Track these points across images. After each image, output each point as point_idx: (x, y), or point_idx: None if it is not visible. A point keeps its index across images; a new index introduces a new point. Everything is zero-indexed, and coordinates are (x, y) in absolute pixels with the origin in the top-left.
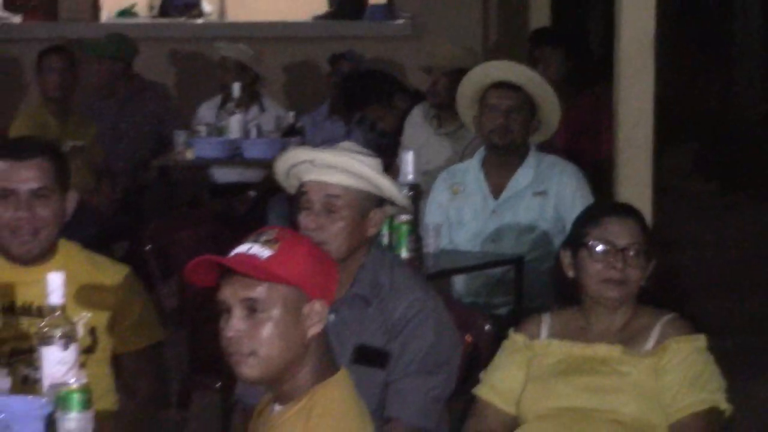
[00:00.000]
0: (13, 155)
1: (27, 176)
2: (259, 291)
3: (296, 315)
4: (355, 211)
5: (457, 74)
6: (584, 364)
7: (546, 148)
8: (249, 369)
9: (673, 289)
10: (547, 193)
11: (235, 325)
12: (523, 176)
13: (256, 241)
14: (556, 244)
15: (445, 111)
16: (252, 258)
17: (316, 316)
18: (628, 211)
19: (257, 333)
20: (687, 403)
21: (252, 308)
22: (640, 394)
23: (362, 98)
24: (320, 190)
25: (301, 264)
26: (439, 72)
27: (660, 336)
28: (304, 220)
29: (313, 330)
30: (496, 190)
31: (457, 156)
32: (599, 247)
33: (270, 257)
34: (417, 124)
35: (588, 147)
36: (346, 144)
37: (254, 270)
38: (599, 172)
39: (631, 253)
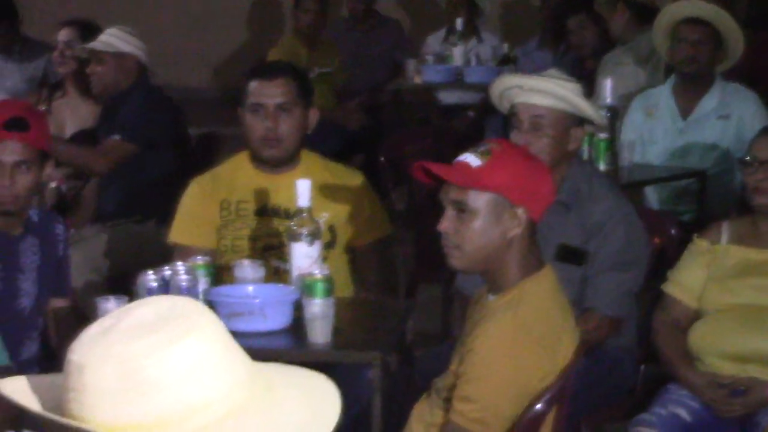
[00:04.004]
0: (262, 75)
1: (274, 93)
2: (466, 195)
3: (498, 218)
4: (558, 129)
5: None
6: (758, 267)
7: (730, 75)
8: (454, 260)
9: None
10: (730, 117)
11: (445, 221)
12: (709, 101)
13: (474, 151)
14: (736, 159)
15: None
16: (464, 166)
17: (517, 220)
18: None
19: (462, 230)
20: None
21: (460, 209)
22: None
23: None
24: (528, 110)
25: (508, 174)
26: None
27: None
28: (515, 137)
29: (513, 232)
30: (685, 113)
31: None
32: (749, 163)
33: (479, 167)
34: (613, 56)
35: (766, 75)
36: (552, 71)
37: (460, 177)
38: None
39: None
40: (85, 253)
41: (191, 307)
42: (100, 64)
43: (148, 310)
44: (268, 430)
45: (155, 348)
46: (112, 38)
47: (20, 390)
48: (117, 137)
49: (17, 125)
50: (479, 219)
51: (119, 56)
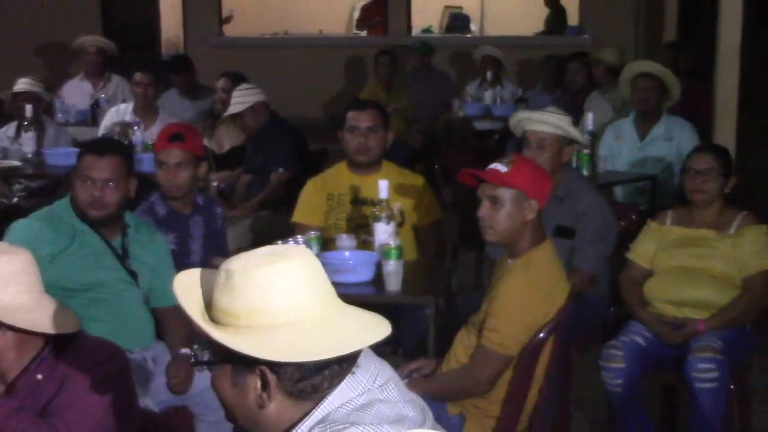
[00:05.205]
0: (357, 107)
1: (365, 119)
2: (498, 191)
3: (519, 207)
4: (555, 147)
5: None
6: (692, 241)
7: (673, 111)
8: (488, 236)
9: (748, 197)
10: (673, 139)
11: (482, 210)
12: (658, 128)
13: (501, 161)
14: (677, 168)
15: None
16: (496, 171)
17: (531, 208)
18: (710, 149)
19: (494, 216)
20: (754, 264)
21: (493, 201)
22: (725, 259)
23: (562, 81)
24: (534, 135)
25: (525, 177)
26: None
27: (739, 224)
28: (526, 153)
29: (528, 216)
30: (642, 136)
31: (615, 113)
32: (688, 171)
33: (506, 172)
34: (596, 95)
35: (698, 110)
36: (552, 108)
37: (495, 179)
38: (705, 126)
39: (706, 174)
40: (237, 230)
41: (295, 248)
42: (242, 119)
43: (272, 247)
44: (329, 336)
45: (249, 265)
46: (243, 97)
47: (185, 283)
48: (281, 170)
49: (176, 138)
50: (506, 208)
51: (252, 107)
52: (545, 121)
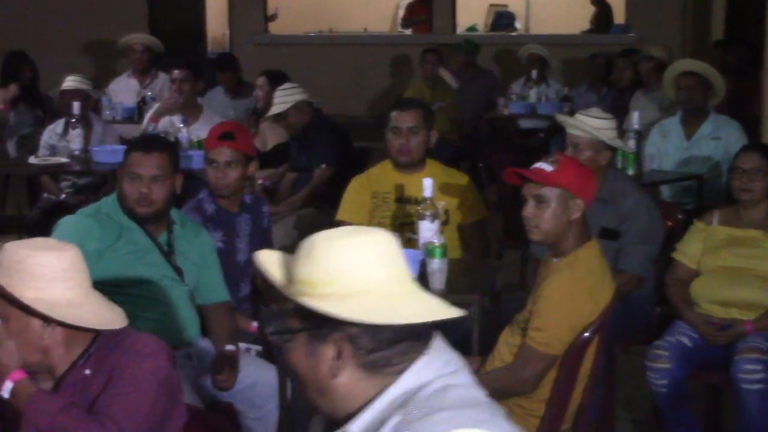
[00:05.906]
0: (400, 107)
1: (407, 119)
2: (543, 190)
3: (564, 206)
4: (591, 151)
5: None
6: (739, 241)
7: (720, 110)
8: (534, 235)
9: None
10: (720, 138)
11: (528, 209)
12: (705, 127)
13: (546, 160)
14: (724, 168)
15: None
16: (541, 170)
17: (577, 207)
18: (758, 148)
19: (540, 215)
20: None
21: (538, 200)
22: None
23: (608, 79)
24: (570, 138)
25: (571, 176)
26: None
27: None
28: (567, 153)
29: (574, 216)
30: (689, 135)
31: (660, 112)
32: (735, 170)
33: (551, 171)
34: (640, 95)
35: (746, 109)
36: (593, 109)
37: (540, 178)
38: (753, 125)
39: (753, 173)
40: (282, 226)
41: (378, 229)
42: (285, 119)
43: (356, 225)
44: (402, 306)
45: (332, 237)
46: (285, 97)
47: (269, 258)
48: (324, 166)
49: (227, 137)
50: (552, 207)
51: (295, 106)
52: (577, 126)
